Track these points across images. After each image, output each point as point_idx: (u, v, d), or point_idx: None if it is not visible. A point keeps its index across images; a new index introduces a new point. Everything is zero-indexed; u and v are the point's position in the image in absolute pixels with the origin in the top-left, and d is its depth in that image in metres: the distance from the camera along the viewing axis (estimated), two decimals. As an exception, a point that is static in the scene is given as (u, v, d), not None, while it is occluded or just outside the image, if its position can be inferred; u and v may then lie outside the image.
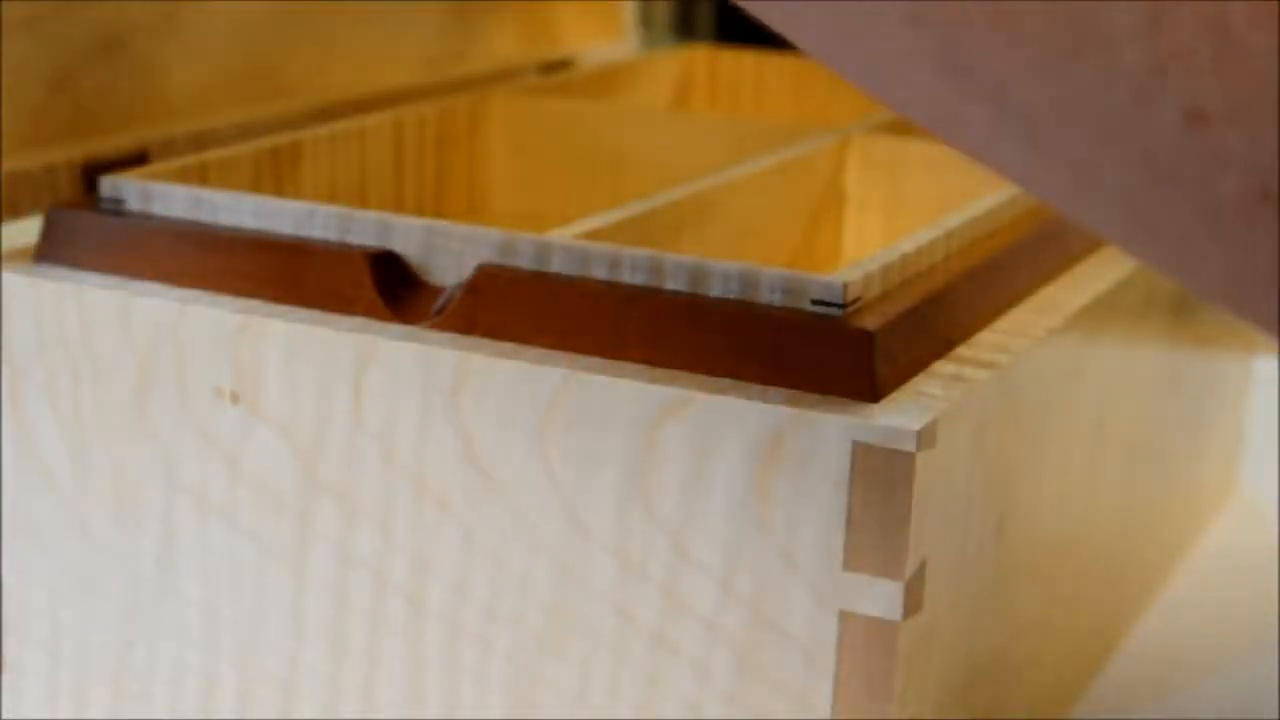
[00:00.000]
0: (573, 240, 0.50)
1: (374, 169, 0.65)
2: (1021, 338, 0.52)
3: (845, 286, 0.47)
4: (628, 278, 0.49)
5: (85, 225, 0.54)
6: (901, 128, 0.69)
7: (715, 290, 0.48)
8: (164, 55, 0.62)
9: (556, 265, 0.49)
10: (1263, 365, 0.86)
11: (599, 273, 0.49)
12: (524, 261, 0.50)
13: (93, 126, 0.59)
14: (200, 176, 0.57)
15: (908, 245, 0.51)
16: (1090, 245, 0.60)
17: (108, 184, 0.54)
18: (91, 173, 0.57)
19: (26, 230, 0.56)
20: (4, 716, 0.56)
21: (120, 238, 0.53)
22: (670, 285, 0.48)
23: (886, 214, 0.66)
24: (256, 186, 0.59)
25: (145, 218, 0.54)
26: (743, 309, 0.47)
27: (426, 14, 0.74)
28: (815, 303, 0.47)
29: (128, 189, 0.54)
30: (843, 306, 0.47)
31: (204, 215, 0.53)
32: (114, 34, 0.61)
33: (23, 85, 0.58)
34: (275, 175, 0.60)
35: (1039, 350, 0.52)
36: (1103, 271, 0.59)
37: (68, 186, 0.57)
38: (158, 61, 0.62)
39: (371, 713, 0.51)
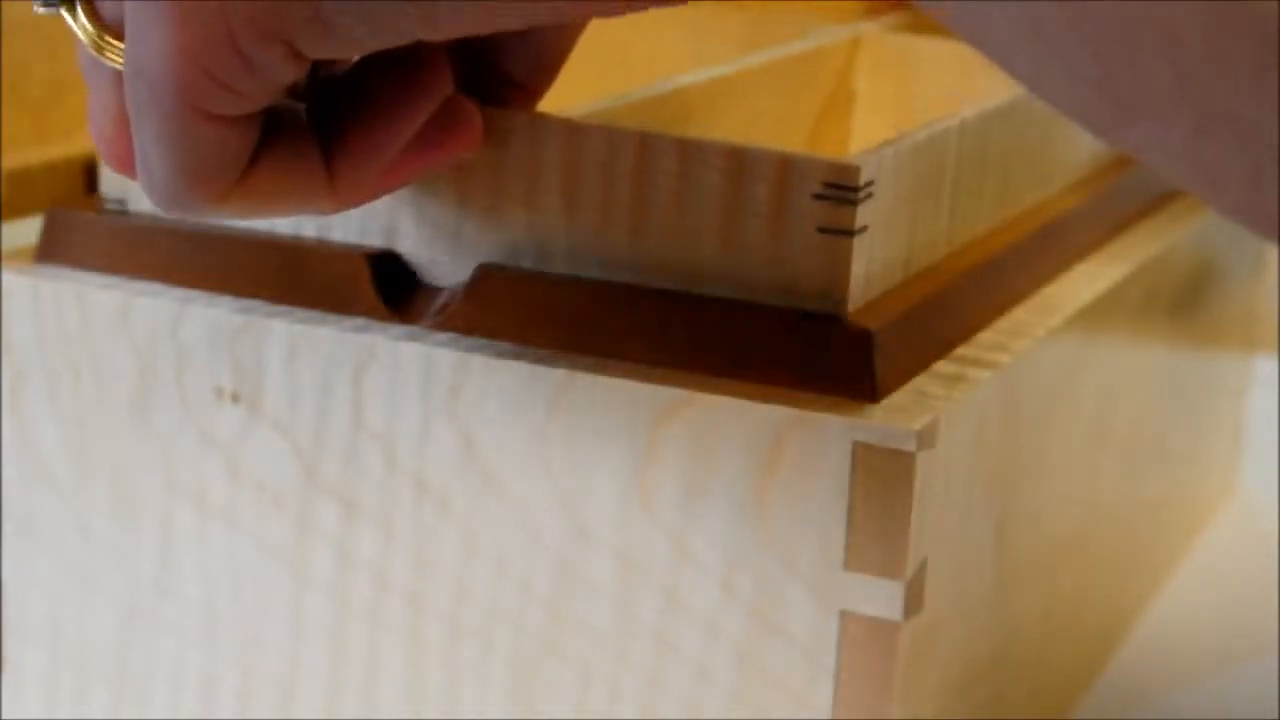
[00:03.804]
0: (569, 117, 0.49)
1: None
2: (1021, 338, 0.52)
3: (858, 170, 0.46)
4: (627, 157, 0.47)
5: (85, 225, 0.54)
6: (914, 26, 0.67)
7: (710, 169, 0.46)
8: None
9: (553, 143, 0.48)
10: (1263, 365, 0.86)
11: (596, 145, 0.48)
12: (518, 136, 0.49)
13: (93, 126, 0.59)
14: None
15: (921, 133, 0.50)
16: (1090, 245, 0.60)
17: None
18: (92, 173, 0.57)
19: (26, 230, 0.56)
20: (4, 716, 0.56)
21: (120, 238, 0.53)
22: (662, 162, 0.47)
23: (897, 113, 0.64)
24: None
25: (146, 217, 0.54)
26: (743, 308, 0.47)
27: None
28: (827, 185, 0.46)
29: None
30: (856, 190, 0.46)
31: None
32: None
33: (23, 85, 0.58)
34: None
35: (1039, 350, 0.52)
36: (1103, 271, 0.59)
37: (68, 186, 0.57)
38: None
39: (371, 713, 0.51)
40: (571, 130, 0.48)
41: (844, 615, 0.46)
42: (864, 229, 0.47)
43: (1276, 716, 0.62)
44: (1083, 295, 0.56)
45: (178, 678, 0.53)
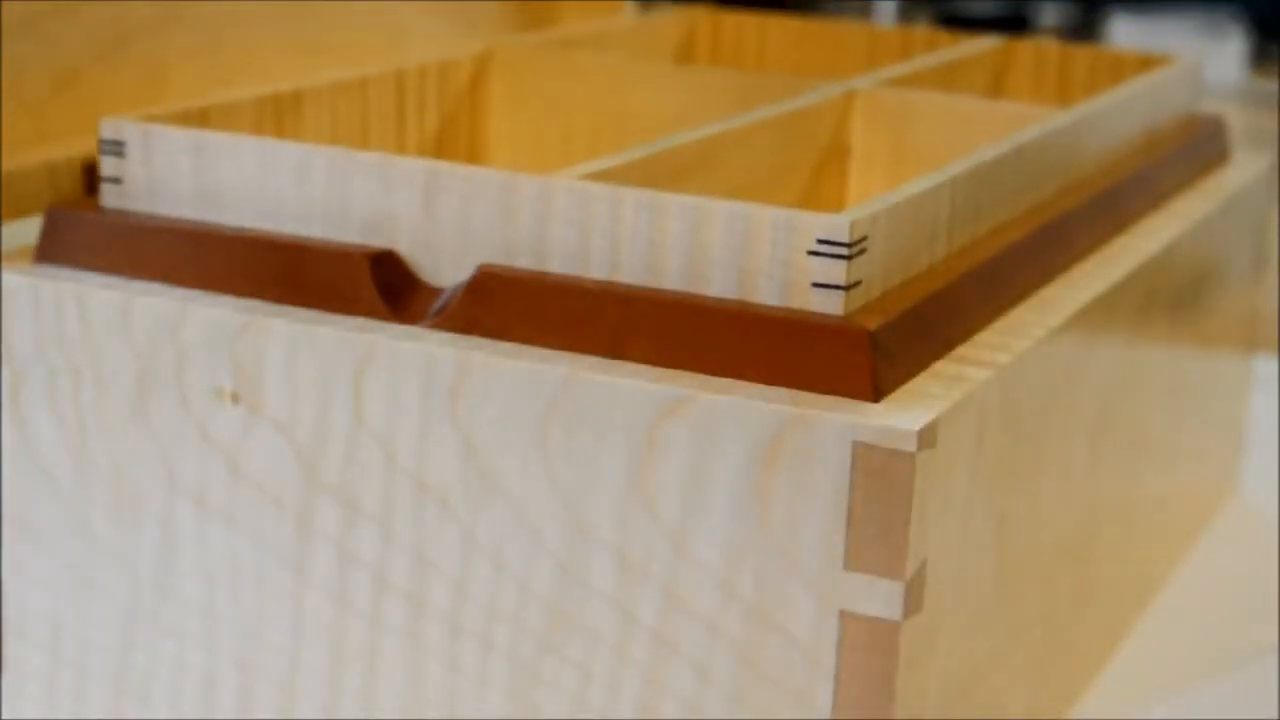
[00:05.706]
0: (575, 181, 0.50)
1: (376, 120, 0.64)
2: (1021, 338, 0.52)
3: (851, 226, 0.47)
4: (630, 218, 0.48)
5: (85, 225, 0.54)
6: (908, 81, 0.68)
7: (716, 227, 0.48)
8: (164, 55, 0.62)
9: (560, 204, 0.49)
10: (1263, 365, 0.86)
11: (601, 211, 0.49)
12: (525, 199, 0.49)
13: (93, 126, 0.59)
14: (201, 122, 0.57)
15: (914, 188, 0.51)
16: (1090, 245, 0.60)
17: (109, 126, 0.54)
18: (92, 173, 0.57)
19: (26, 230, 0.56)
20: (4, 716, 0.56)
21: (120, 237, 0.53)
22: (673, 224, 0.48)
23: (892, 168, 0.66)
24: (257, 134, 0.59)
25: (145, 217, 0.54)
26: (743, 308, 0.47)
27: (430, 12, 0.74)
28: (821, 241, 0.47)
29: (128, 131, 0.54)
30: (849, 246, 0.47)
31: (205, 159, 0.53)
32: (114, 34, 0.61)
33: (23, 85, 0.58)
34: (276, 124, 0.60)
35: (1039, 350, 0.52)
36: (1103, 271, 0.59)
37: (68, 186, 0.57)
38: (158, 61, 0.62)
39: (371, 713, 0.51)
40: (578, 192, 0.49)
41: (844, 615, 0.46)
42: (858, 284, 0.47)
43: (1276, 716, 0.62)
44: (1083, 295, 0.56)
45: (178, 678, 0.53)
